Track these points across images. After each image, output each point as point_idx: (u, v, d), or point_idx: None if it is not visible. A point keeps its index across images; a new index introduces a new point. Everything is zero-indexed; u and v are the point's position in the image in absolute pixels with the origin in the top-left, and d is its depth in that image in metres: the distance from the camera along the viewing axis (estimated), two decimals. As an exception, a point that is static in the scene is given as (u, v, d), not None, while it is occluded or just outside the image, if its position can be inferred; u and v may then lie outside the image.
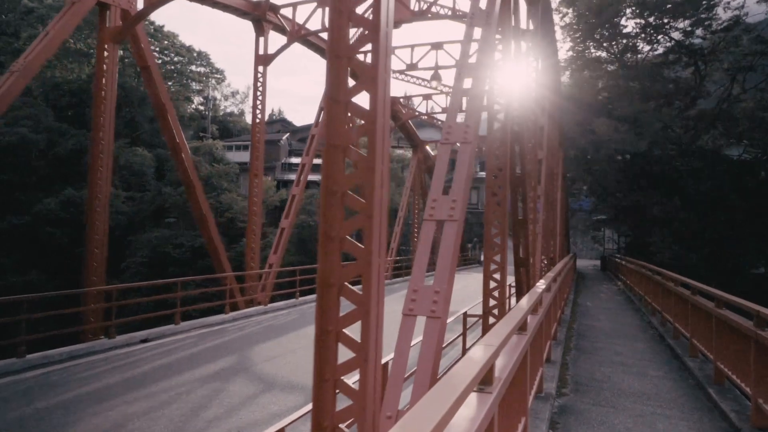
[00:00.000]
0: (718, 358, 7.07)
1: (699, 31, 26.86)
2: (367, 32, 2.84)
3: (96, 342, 8.81)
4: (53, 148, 33.88)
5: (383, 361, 4.50)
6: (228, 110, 65.73)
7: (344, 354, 2.83)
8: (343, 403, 2.78)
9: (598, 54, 30.71)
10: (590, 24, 27.82)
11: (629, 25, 28.54)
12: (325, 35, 16.23)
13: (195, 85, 55.29)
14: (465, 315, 7.32)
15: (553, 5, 22.62)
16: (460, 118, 5.09)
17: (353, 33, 2.88)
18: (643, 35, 27.98)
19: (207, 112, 57.04)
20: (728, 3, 25.92)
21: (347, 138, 2.86)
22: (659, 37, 27.80)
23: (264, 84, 14.11)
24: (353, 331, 2.79)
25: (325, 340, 2.75)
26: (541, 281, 7.36)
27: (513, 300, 11.99)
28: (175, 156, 11.06)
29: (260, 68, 14.13)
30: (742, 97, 27.05)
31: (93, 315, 9.19)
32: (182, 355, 8.67)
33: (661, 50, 28.65)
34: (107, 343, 8.95)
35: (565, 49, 31.07)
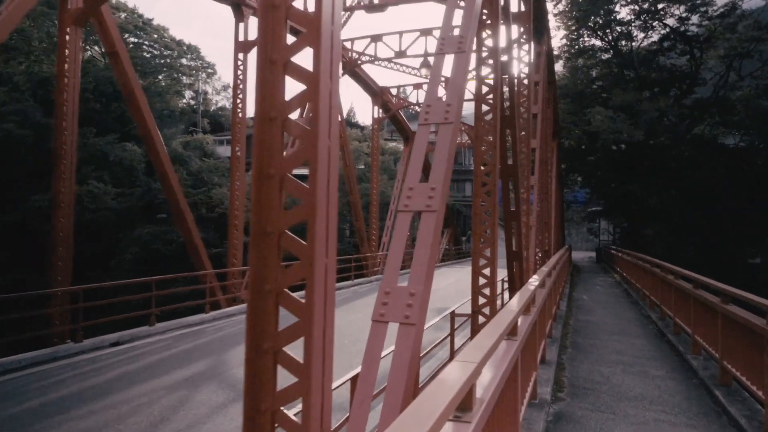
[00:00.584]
0: (725, 357, 6.57)
1: (695, 18, 26.35)
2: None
3: (61, 347, 8.23)
4: (42, 144, 33.18)
5: (351, 375, 3.97)
6: (220, 104, 64.87)
7: (286, 378, 2.27)
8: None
9: (592, 42, 30.19)
10: (584, 11, 27.26)
11: (623, 12, 28.04)
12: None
13: (185, 79, 54.47)
14: (453, 314, 6.78)
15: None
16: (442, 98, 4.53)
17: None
18: (638, 22, 27.44)
19: (197, 107, 56.28)
20: (725, -12, 25.49)
21: (285, 108, 2.29)
22: (654, 23, 27.27)
23: (245, 72, 13.49)
24: (297, 349, 2.23)
25: (259, 363, 2.19)
26: (535, 277, 6.84)
27: (506, 295, 11.48)
28: (148, 147, 10.45)
29: (241, 56, 13.50)
30: (739, 85, 26.61)
31: (58, 317, 8.60)
32: (152, 360, 8.11)
33: (656, 37, 28.16)
34: (73, 348, 8.37)
35: (558, 37, 30.54)
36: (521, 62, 11.61)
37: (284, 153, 2.28)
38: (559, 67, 30.97)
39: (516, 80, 9.38)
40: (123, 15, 46.46)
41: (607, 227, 43.80)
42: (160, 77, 51.26)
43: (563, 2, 28.62)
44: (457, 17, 5.24)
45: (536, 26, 14.13)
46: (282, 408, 2.23)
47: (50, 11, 29.84)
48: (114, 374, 7.29)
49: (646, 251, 20.07)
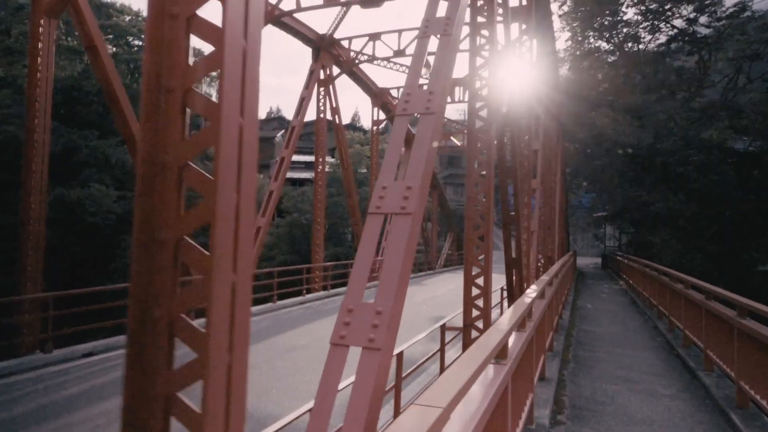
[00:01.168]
0: (742, 376, 5.97)
1: (703, 19, 25.74)
2: None
3: (26, 359, 7.71)
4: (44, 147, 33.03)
5: (302, 410, 3.41)
6: (225, 107, 64.55)
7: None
8: None
9: (597, 44, 29.61)
10: (589, 12, 26.70)
11: (629, 12, 27.47)
12: (300, 16, 15.10)
13: (190, 82, 54.31)
14: (443, 328, 6.20)
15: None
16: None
17: None
18: (644, 23, 26.85)
19: (200, 109, 56.19)
20: (734, -13, 24.90)
21: (189, 75, 1.75)
22: (661, 24, 26.67)
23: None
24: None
25: (143, 413, 1.64)
26: (533, 287, 6.27)
27: (506, 305, 10.88)
28: (130, 148, 9.95)
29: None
30: (748, 88, 25.94)
31: (26, 327, 8.08)
32: (119, 375, 7.55)
33: (663, 39, 27.55)
34: (41, 359, 7.85)
35: (563, 39, 30.00)
36: (523, 60, 11.07)
37: (186, 134, 1.74)
38: (564, 70, 30.40)
39: (516, 72, 8.83)
40: (128, 18, 46.36)
41: (613, 233, 43.04)
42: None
43: (568, 3, 28.07)
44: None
45: (539, 22, 13.59)
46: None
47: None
48: (76, 390, 6.76)
49: (655, 258, 19.44)
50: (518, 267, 8.91)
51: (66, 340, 9.00)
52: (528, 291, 5.51)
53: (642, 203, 25.21)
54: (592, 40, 29.01)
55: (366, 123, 73.98)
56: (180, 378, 1.68)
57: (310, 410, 3.42)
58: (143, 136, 1.68)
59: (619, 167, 27.57)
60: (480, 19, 6.29)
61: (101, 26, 21.16)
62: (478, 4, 6.09)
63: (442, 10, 4.60)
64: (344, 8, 13.86)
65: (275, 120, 69.75)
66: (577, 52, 29.36)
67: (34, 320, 8.21)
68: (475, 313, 6.22)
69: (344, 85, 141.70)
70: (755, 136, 24.61)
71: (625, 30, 27.56)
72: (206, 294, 1.61)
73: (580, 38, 28.96)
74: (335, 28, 15.81)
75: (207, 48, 1.79)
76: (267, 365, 7.92)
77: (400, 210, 3.27)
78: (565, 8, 28.24)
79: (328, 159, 39.42)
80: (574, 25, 28.25)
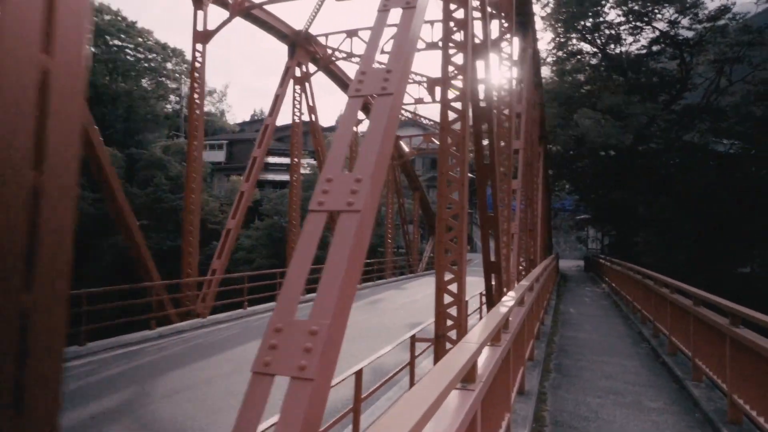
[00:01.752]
0: (735, 389, 5.53)
1: (685, 21, 25.67)
2: None
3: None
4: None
5: None
6: (206, 109, 63.61)
7: None
8: None
9: (580, 46, 29.42)
10: (572, 13, 26.49)
11: (612, 13, 27.30)
12: (272, 9, 14.50)
13: (170, 84, 53.26)
14: (413, 339, 5.65)
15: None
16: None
17: None
18: (627, 25, 26.71)
19: (180, 110, 55.05)
20: (715, -11, 24.85)
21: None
22: (643, 26, 26.56)
23: (203, 63, 12.36)
24: None
25: None
26: (510, 294, 5.76)
27: (485, 311, 10.38)
28: (85, 144, 9.28)
29: (199, 46, 12.37)
30: (730, 90, 25.94)
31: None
32: (65, 390, 6.88)
33: (645, 41, 27.46)
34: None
35: (546, 41, 29.77)
36: (503, 55, 10.62)
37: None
38: (546, 71, 30.17)
39: (495, 69, 8.34)
40: (107, 17, 45.24)
41: (596, 235, 43.00)
42: (143, 81, 49.94)
43: (550, 5, 27.84)
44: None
45: (521, 19, 13.18)
46: None
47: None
48: None
49: (637, 260, 19.14)
50: (497, 271, 8.42)
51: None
52: (504, 299, 4.99)
53: (624, 205, 25.03)
54: (574, 41, 28.83)
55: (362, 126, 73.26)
56: None
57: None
58: None
59: (601, 169, 27.39)
60: (452, 5, 5.79)
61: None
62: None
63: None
64: (319, 0, 13.30)
65: (259, 122, 69.00)
66: (560, 53, 29.15)
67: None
68: (449, 322, 5.69)
69: (329, 90, 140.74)
70: (737, 137, 24.56)
71: (607, 31, 27.42)
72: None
73: (562, 40, 28.76)
74: (311, 23, 15.25)
75: None
76: (223, 381, 7.26)
77: (346, 207, 2.71)
78: (548, 10, 28.02)
79: (309, 161, 38.76)
80: (557, 26, 28.03)
